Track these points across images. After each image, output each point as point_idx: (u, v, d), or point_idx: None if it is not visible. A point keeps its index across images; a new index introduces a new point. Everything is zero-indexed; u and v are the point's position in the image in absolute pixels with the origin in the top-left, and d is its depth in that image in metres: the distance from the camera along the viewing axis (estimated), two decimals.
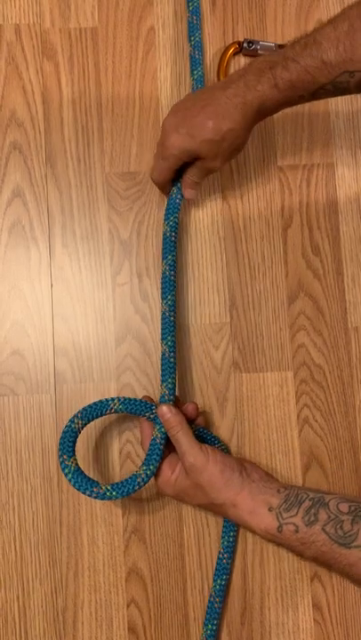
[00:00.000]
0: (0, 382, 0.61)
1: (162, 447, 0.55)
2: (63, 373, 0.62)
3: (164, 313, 0.58)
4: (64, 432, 0.54)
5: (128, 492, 0.53)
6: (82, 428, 0.55)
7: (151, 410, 0.57)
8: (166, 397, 0.57)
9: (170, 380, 0.57)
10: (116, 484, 0.54)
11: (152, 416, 0.57)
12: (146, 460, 0.55)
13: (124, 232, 0.64)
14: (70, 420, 0.54)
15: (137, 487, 0.54)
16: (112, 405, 0.56)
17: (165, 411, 0.55)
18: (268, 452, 0.63)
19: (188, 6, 0.66)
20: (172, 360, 0.57)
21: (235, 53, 0.68)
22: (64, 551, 0.60)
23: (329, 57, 0.49)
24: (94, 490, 0.53)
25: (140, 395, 0.62)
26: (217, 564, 0.59)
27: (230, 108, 0.54)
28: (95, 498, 0.53)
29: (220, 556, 0.59)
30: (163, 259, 0.60)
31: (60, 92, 0.65)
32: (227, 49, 0.67)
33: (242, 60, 0.68)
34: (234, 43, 0.67)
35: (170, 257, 0.59)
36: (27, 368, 0.62)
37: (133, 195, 0.65)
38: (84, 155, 0.65)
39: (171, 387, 0.57)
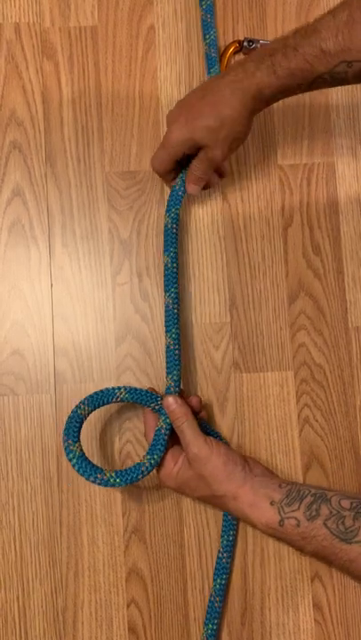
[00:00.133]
0: (0, 382, 0.61)
1: (166, 438, 0.56)
2: (63, 373, 0.62)
3: (167, 306, 0.58)
4: (70, 418, 0.54)
5: (131, 480, 0.54)
6: (87, 415, 0.55)
7: (157, 401, 0.57)
8: (172, 389, 0.57)
9: (175, 373, 0.57)
10: (120, 471, 0.54)
11: (157, 407, 0.57)
12: (150, 449, 0.55)
13: (124, 231, 0.64)
14: (76, 406, 0.54)
15: (140, 476, 0.54)
16: (118, 394, 0.56)
17: (171, 401, 0.55)
18: (269, 452, 0.63)
19: (202, 5, 0.66)
20: (176, 352, 0.57)
21: (235, 52, 0.67)
22: (64, 551, 0.60)
23: (328, 46, 0.49)
24: (98, 476, 0.53)
25: None
26: (216, 563, 0.59)
27: (228, 95, 0.54)
28: (99, 484, 0.53)
29: (220, 555, 0.59)
30: (164, 251, 0.59)
31: (59, 92, 0.65)
32: (227, 48, 0.67)
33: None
34: (234, 42, 0.67)
35: (171, 249, 0.59)
36: (27, 368, 0.62)
37: (133, 194, 0.65)
38: (83, 154, 0.65)
39: (176, 379, 0.57)
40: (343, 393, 0.64)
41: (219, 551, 0.59)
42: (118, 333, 0.63)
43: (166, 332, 0.58)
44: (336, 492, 0.51)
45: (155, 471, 0.56)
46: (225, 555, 0.59)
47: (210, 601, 0.58)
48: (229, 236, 0.65)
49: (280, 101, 0.67)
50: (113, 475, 0.53)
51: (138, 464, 0.54)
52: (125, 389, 0.56)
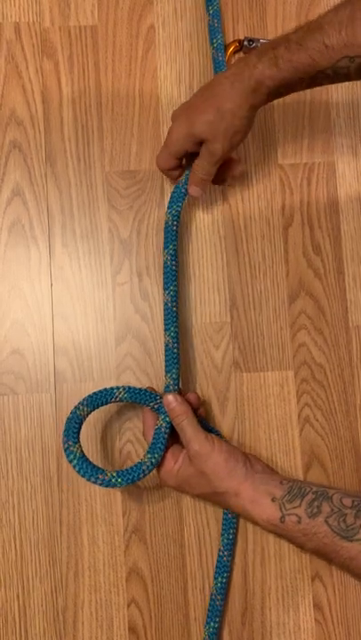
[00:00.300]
0: (0, 381, 0.61)
1: (166, 436, 0.56)
2: (63, 372, 0.62)
3: (166, 304, 0.58)
4: (69, 419, 0.54)
5: (133, 480, 0.53)
6: (87, 416, 0.55)
7: (156, 399, 0.57)
8: (171, 387, 0.57)
9: (174, 371, 0.57)
10: (122, 471, 0.54)
11: (156, 406, 0.57)
12: (150, 448, 0.55)
13: (124, 231, 0.64)
14: (75, 407, 0.54)
15: (142, 475, 0.54)
16: (117, 394, 0.56)
17: (171, 399, 0.55)
18: (269, 452, 0.63)
19: (208, 10, 0.66)
20: (175, 351, 0.57)
21: (235, 52, 0.67)
22: (64, 550, 0.60)
23: (331, 41, 0.49)
24: (99, 476, 0.53)
25: None
26: (217, 561, 0.59)
27: (227, 88, 0.54)
28: (100, 485, 0.53)
29: (221, 553, 0.59)
30: (164, 248, 0.59)
31: (59, 91, 0.65)
32: (227, 47, 0.67)
33: None
34: (234, 41, 0.67)
35: (171, 247, 0.59)
36: (27, 367, 0.62)
37: (133, 193, 0.65)
38: (83, 153, 0.65)
39: (175, 377, 0.57)
40: (344, 392, 0.64)
41: (219, 550, 0.59)
42: (118, 333, 0.63)
43: (165, 330, 0.58)
44: (337, 489, 0.51)
45: (155, 470, 0.56)
46: (226, 553, 0.59)
47: (211, 600, 0.58)
48: (230, 236, 0.65)
49: (280, 100, 0.67)
50: (114, 475, 0.53)
51: (139, 463, 0.54)
52: (124, 389, 0.56)
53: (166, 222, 0.60)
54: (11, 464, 0.60)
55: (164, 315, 0.58)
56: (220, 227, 0.65)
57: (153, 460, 0.55)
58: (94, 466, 0.53)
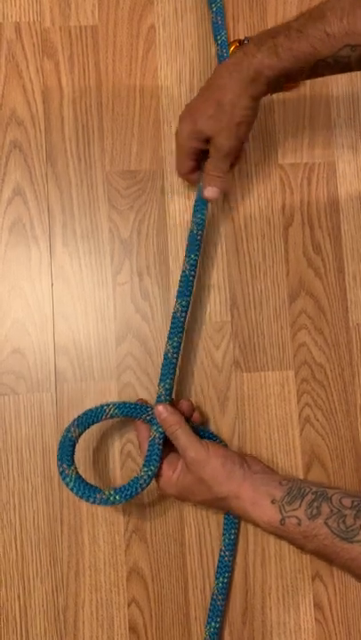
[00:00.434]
0: (0, 381, 0.61)
1: (160, 447, 0.55)
2: (64, 372, 0.62)
3: (175, 313, 0.58)
4: (61, 442, 0.54)
5: (131, 495, 0.53)
6: (79, 437, 0.54)
7: (147, 411, 0.57)
8: (163, 398, 0.57)
9: (168, 382, 0.57)
10: (119, 488, 0.54)
11: (148, 417, 0.57)
12: (146, 461, 0.55)
13: (125, 231, 0.64)
14: (67, 430, 0.54)
15: (140, 489, 0.54)
16: (108, 410, 0.56)
17: (162, 410, 0.55)
18: (270, 452, 0.63)
19: (211, 7, 0.66)
20: (173, 361, 0.57)
21: (235, 51, 0.67)
22: (65, 550, 0.60)
23: (332, 29, 0.48)
24: (97, 496, 0.52)
25: (140, 394, 0.62)
26: (218, 561, 0.59)
27: (226, 79, 0.53)
28: (99, 504, 0.53)
29: (222, 553, 0.59)
30: (185, 256, 0.59)
31: (60, 91, 0.65)
32: (227, 47, 0.67)
33: None
34: (235, 41, 0.67)
35: (193, 256, 0.59)
36: (27, 367, 0.62)
37: (134, 193, 0.65)
38: (84, 153, 0.65)
39: (168, 387, 0.57)
40: (344, 392, 0.64)
41: (221, 549, 0.59)
42: (119, 332, 0.63)
43: (168, 338, 0.58)
44: (337, 489, 0.51)
45: (154, 480, 0.56)
46: (227, 553, 0.59)
47: (212, 599, 0.58)
48: (230, 236, 0.65)
49: (281, 100, 0.67)
50: (112, 492, 0.53)
51: (136, 478, 0.54)
52: (114, 405, 0.56)
53: (191, 231, 0.59)
54: (11, 464, 0.60)
55: (172, 323, 0.58)
56: (220, 226, 0.65)
57: (150, 473, 0.55)
58: (91, 486, 0.53)
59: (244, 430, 0.63)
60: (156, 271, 0.64)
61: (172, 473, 0.55)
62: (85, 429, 0.55)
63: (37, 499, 0.60)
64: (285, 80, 0.53)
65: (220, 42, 0.65)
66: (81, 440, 0.57)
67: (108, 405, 0.56)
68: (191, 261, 0.58)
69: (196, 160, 0.59)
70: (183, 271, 0.59)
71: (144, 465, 0.55)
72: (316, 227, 0.66)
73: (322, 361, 0.64)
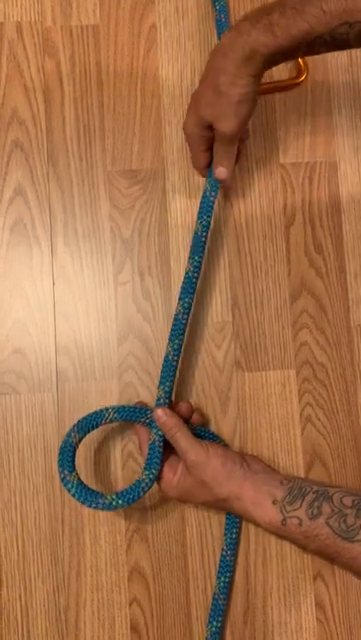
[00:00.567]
0: (2, 381, 0.61)
1: (161, 450, 0.55)
2: (65, 372, 0.62)
3: (177, 315, 0.58)
4: (62, 448, 0.54)
5: (134, 499, 0.53)
6: (79, 442, 0.54)
7: (146, 415, 0.57)
8: (162, 400, 0.57)
9: (167, 384, 0.57)
10: (121, 492, 0.54)
11: (147, 421, 0.57)
12: (147, 464, 0.55)
13: (126, 230, 0.64)
14: (67, 435, 0.54)
15: (142, 493, 0.54)
16: (107, 415, 0.56)
17: (161, 414, 0.55)
18: (271, 451, 0.63)
19: (215, 5, 0.66)
20: (174, 364, 0.57)
21: None
22: (66, 550, 0.60)
23: (329, 6, 0.47)
24: (100, 501, 0.52)
25: (141, 393, 0.62)
26: (220, 561, 0.59)
27: (220, 61, 0.52)
28: (102, 509, 0.53)
29: (224, 552, 0.59)
30: (189, 258, 0.59)
31: (61, 90, 0.65)
32: None
33: None
34: None
35: (197, 258, 0.58)
36: (28, 366, 0.62)
37: (135, 193, 0.65)
38: (85, 153, 0.65)
39: (168, 390, 0.57)
40: (345, 391, 0.64)
41: (222, 549, 0.59)
42: (120, 332, 0.63)
43: (169, 340, 0.58)
44: (338, 488, 0.51)
45: (155, 482, 0.56)
46: (228, 552, 0.59)
47: (213, 599, 0.58)
48: (231, 235, 0.65)
49: (282, 100, 0.67)
50: (114, 497, 0.53)
51: (137, 481, 0.54)
52: (113, 409, 0.56)
53: (196, 232, 0.59)
54: (13, 464, 0.60)
55: (173, 325, 0.58)
56: (221, 226, 0.65)
57: (151, 476, 0.55)
58: (93, 491, 0.53)
59: (245, 430, 0.63)
60: (158, 271, 0.64)
61: (172, 476, 0.55)
62: (85, 434, 0.55)
63: (39, 498, 0.60)
64: (282, 58, 0.51)
65: None
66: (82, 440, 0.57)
67: (107, 410, 0.56)
68: (195, 263, 0.58)
69: (210, 150, 0.58)
70: (186, 272, 0.59)
71: (145, 468, 0.55)
72: (318, 226, 0.66)
73: (323, 360, 0.64)
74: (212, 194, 0.59)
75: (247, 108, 0.53)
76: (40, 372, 0.62)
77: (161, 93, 0.66)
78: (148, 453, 0.56)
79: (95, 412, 0.56)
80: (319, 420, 0.63)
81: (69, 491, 0.53)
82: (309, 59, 0.67)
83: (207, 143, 0.58)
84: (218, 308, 0.64)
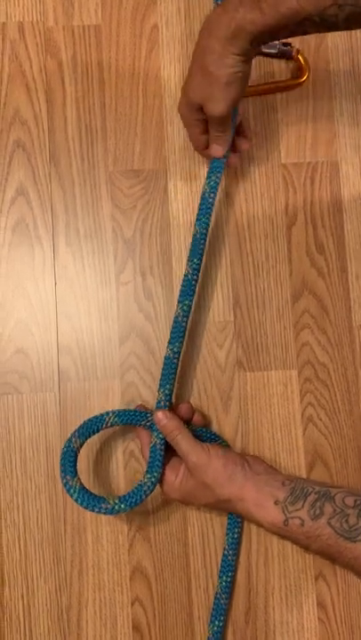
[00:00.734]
0: (4, 381, 0.61)
1: (162, 452, 0.55)
2: (67, 371, 0.62)
3: (177, 317, 0.58)
4: (63, 453, 0.54)
5: (136, 503, 0.54)
6: (80, 447, 0.55)
7: (147, 418, 0.57)
8: (162, 403, 0.57)
9: (168, 387, 0.57)
10: (124, 496, 0.54)
11: (148, 424, 0.57)
12: (148, 467, 0.55)
13: (128, 230, 0.64)
14: (68, 441, 0.54)
15: (144, 496, 0.54)
16: (107, 419, 0.56)
17: (161, 417, 0.55)
18: (273, 451, 0.63)
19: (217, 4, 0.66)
20: (173, 366, 0.57)
21: None
22: (68, 549, 0.60)
23: None
24: (102, 506, 0.53)
25: (143, 393, 0.62)
26: (222, 560, 0.59)
27: (206, 40, 0.51)
28: (105, 514, 0.53)
29: (226, 552, 0.59)
30: (188, 260, 0.59)
31: (63, 90, 0.65)
32: None
33: None
34: None
35: (196, 260, 0.58)
36: (30, 366, 0.62)
37: (137, 193, 0.65)
38: (87, 153, 0.65)
39: (168, 392, 0.57)
40: (347, 391, 0.64)
41: (224, 548, 0.59)
42: (122, 332, 0.63)
43: (169, 342, 0.58)
44: (340, 488, 0.51)
45: (158, 485, 0.56)
46: (230, 552, 0.59)
47: (215, 598, 0.58)
48: (233, 235, 0.65)
49: (283, 100, 0.67)
50: (117, 501, 0.53)
51: (139, 485, 0.54)
52: (114, 413, 0.56)
53: (194, 235, 0.59)
54: (15, 463, 0.60)
55: (173, 328, 0.58)
56: (223, 226, 0.65)
57: (153, 480, 0.55)
58: (95, 496, 0.53)
59: (247, 430, 0.63)
60: (160, 270, 0.64)
61: (174, 478, 0.55)
62: (87, 439, 0.55)
63: (41, 498, 0.60)
64: (269, 37, 0.50)
65: None
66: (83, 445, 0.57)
67: (107, 414, 0.56)
68: (194, 265, 0.58)
69: (207, 131, 0.58)
70: (185, 275, 0.59)
71: (147, 471, 0.55)
72: (320, 226, 0.66)
73: (325, 360, 0.64)
74: (212, 195, 0.59)
75: (236, 89, 0.52)
76: (42, 372, 0.62)
77: (163, 94, 0.66)
78: (150, 456, 0.56)
79: (96, 417, 0.56)
80: (321, 420, 0.63)
81: (72, 496, 0.53)
82: (311, 59, 0.67)
83: (202, 125, 0.57)
84: (220, 308, 0.64)
